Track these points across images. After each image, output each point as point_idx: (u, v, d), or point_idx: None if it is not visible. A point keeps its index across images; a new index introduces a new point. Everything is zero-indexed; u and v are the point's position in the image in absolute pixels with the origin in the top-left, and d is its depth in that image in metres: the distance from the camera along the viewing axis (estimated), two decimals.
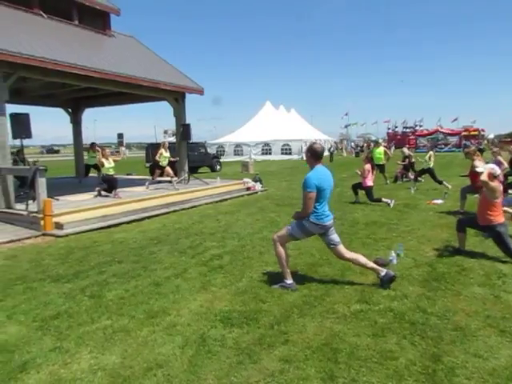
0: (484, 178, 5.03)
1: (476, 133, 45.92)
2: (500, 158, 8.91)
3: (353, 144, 51.48)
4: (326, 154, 29.43)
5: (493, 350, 2.97)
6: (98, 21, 13.02)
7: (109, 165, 10.23)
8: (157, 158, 12.26)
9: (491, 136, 36.70)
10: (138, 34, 15.22)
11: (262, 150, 37.83)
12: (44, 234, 7.26)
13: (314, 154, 4.24)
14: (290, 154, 36.76)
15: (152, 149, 21.70)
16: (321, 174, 4.16)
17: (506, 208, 6.26)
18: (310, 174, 4.15)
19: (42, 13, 11.05)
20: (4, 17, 9.68)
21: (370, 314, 3.60)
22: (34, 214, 7.63)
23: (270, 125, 39.44)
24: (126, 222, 8.24)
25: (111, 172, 10.31)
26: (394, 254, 5.07)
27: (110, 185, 10.16)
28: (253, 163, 23.37)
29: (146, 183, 12.24)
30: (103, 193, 10.17)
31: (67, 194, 10.21)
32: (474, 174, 7.14)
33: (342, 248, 4.34)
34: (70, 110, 15.41)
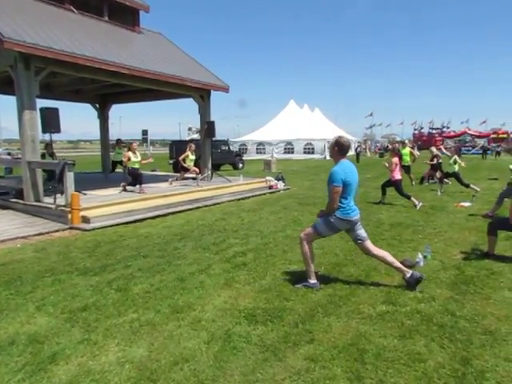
0: None
1: (505, 135, 44.71)
2: None
3: (378, 144, 50.80)
4: (353, 153, 29.21)
5: None
6: (128, 17, 13.23)
7: (135, 159, 10.40)
8: (180, 158, 12.40)
9: None
10: (164, 31, 15.38)
11: (285, 148, 37.71)
12: (71, 228, 7.43)
13: (341, 148, 4.17)
14: (313, 153, 36.51)
15: (176, 146, 21.95)
16: (346, 169, 4.10)
17: None
18: (336, 168, 4.09)
19: (72, 8, 11.27)
20: (36, 12, 9.92)
21: (397, 316, 3.54)
22: (62, 208, 7.81)
23: (293, 124, 39.26)
24: (150, 217, 8.36)
25: (136, 166, 10.48)
26: (420, 256, 4.97)
27: (134, 179, 10.36)
28: (275, 162, 23.33)
29: (170, 179, 12.40)
30: (128, 188, 10.36)
31: (94, 188, 10.43)
32: None
33: (369, 244, 4.28)
34: (97, 105, 15.69)
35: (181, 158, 12.43)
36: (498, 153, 36.10)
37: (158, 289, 4.31)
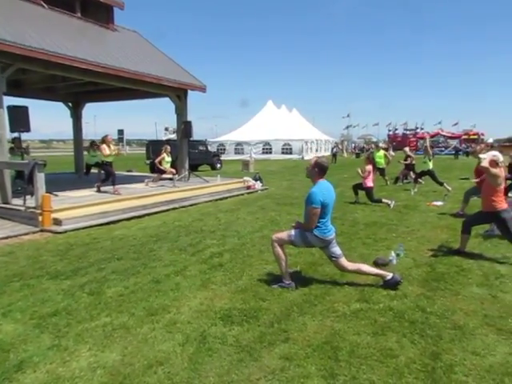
0: (485, 164, 5.09)
1: (475, 136, 46.21)
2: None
3: (353, 144, 51.66)
4: (329, 154, 29.64)
5: (490, 348, 3.01)
6: (102, 14, 12.91)
7: (109, 152, 10.17)
8: (156, 161, 12.35)
9: (490, 140, 36.76)
10: (140, 29, 15.16)
11: (263, 149, 37.84)
12: (42, 230, 7.20)
13: (321, 169, 4.19)
14: (291, 153, 36.77)
15: (152, 146, 21.69)
16: (325, 190, 4.13)
17: None
18: (315, 189, 4.10)
19: (42, 3, 10.89)
20: (2, 6, 9.51)
21: (370, 313, 3.60)
22: (32, 210, 7.58)
23: (271, 124, 39.47)
24: (125, 218, 8.21)
25: (110, 159, 10.25)
26: (393, 254, 5.07)
27: (107, 175, 10.18)
28: (253, 162, 23.36)
29: (146, 180, 12.24)
30: (103, 188, 10.15)
31: (66, 189, 10.18)
32: (480, 171, 7.05)
33: (343, 261, 4.31)
34: (70, 104, 15.30)
35: (157, 160, 12.34)
36: (467, 153, 37.30)
37: (132, 291, 4.24)
